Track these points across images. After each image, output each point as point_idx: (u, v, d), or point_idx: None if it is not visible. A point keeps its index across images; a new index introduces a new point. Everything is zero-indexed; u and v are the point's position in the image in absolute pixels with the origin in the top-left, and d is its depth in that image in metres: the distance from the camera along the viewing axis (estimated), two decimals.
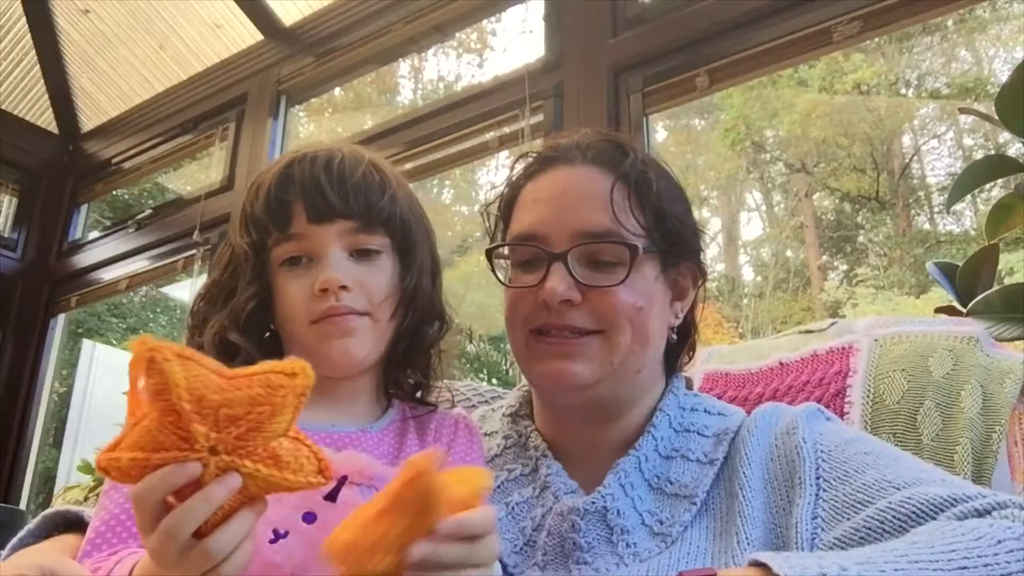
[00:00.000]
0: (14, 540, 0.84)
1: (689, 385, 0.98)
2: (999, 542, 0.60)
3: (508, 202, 0.96)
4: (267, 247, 0.85)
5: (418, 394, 0.92)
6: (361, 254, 0.85)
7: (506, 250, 0.93)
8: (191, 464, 0.52)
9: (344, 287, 0.82)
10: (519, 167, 0.96)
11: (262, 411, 0.53)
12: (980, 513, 0.65)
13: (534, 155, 0.96)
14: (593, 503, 0.82)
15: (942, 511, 0.66)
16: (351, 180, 0.84)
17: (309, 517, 0.71)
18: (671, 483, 0.84)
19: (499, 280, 0.93)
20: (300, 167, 0.85)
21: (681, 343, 0.95)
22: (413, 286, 0.88)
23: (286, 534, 0.69)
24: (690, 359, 0.98)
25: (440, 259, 0.97)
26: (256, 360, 0.82)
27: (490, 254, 0.93)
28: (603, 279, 0.84)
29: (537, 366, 0.87)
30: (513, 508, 0.88)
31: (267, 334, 0.87)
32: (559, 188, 0.89)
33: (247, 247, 0.86)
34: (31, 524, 0.86)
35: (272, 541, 0.69)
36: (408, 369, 0.92)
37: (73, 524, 0.86)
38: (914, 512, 0.66)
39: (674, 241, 0.89)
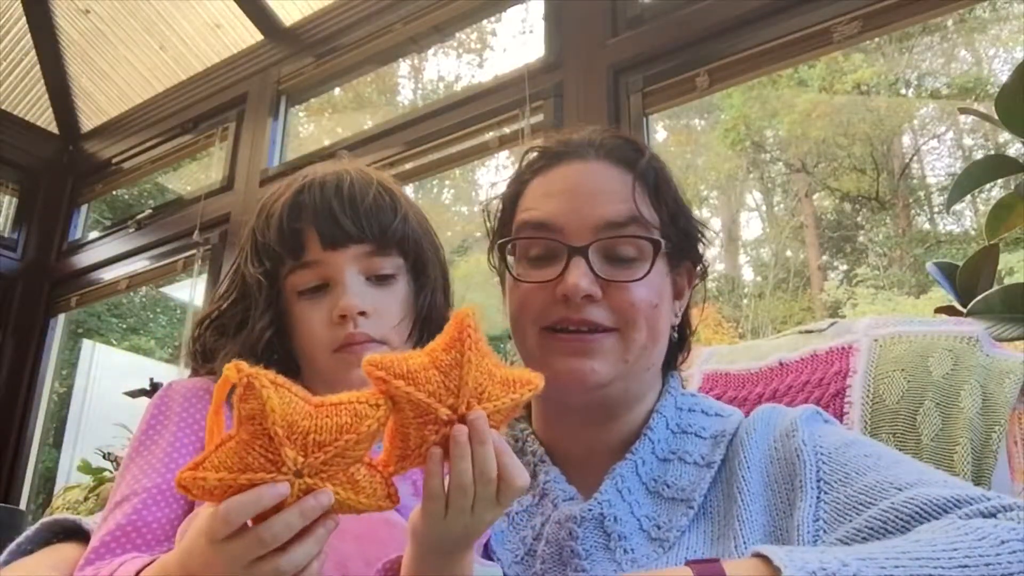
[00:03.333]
0: (12, 546, 0.84)
1: (682, 383, 0.97)
2: (1002, 543, 0.59)
3: (513, 197, 0.93)
4: (280, 275, 0.85)
5: None
6: (378, 279, 0.85)
7: (510, 244, 0.91)
8: (281, 484, 0.56)
9: (363, 313, 0.82)
10: (525, 161, 0.95)
11: (348, 439, 0.57)
12: (986, 516, 0.64)
13: (540, 150, 0.94)
14: (590, 510, 0.81)
15: (947, 512, 0.65)
16: (363, 204, 0.84)
17: None
18: (668, 487, 0.83)
19: (510, 274, 0.90)
20: (311, 194, 0.85)
21: (680, 343, 0.95)
22: (427, 304, 0.88)
23: None
24: (684, 359, 0.98)
25: (450, 275, 0.97)
26: None
27: (503, 247, 0.91)
28: (623, 274, 0.83)
29: (554, 364, 0.83)
30: (513, 517, 0.87)
31: (283, 359, 0.87)
32: (575, 181, 0.87)
33: (260, 276, 0.85)
34: (29, 531, 0.86)
35: None
36: None
37: (71, 532, 0.86)
38: (918, 512, 0.66)
39: (684, 240, 0.90)
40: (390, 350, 0.84)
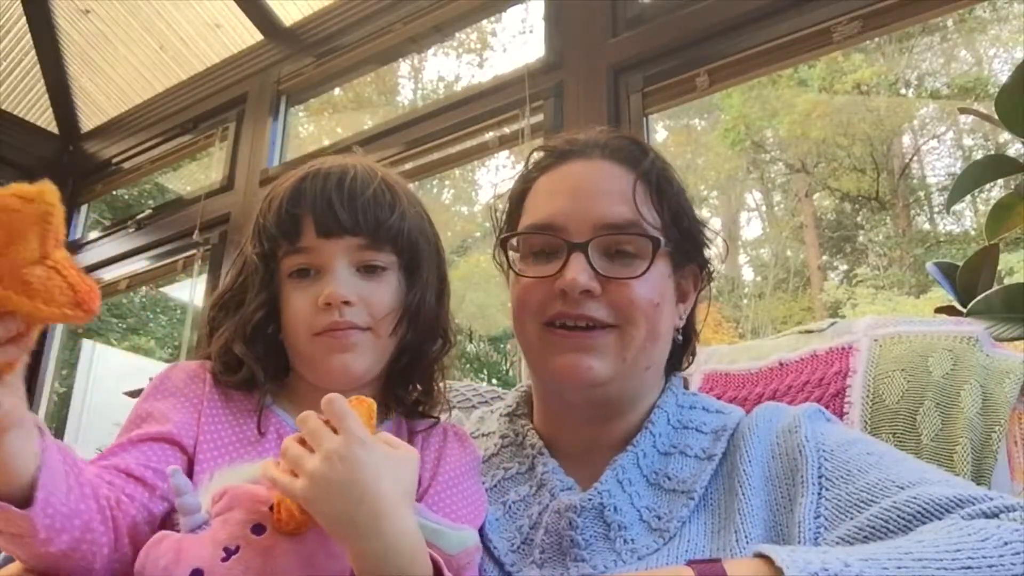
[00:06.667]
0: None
1: (686, 385, 0.98)
2: (1005, 544, 0.59)
3: (519, 195, 0.95)
4: (277, 258, 0.87)
5: (420, 409, 0.93)
6: (367, 270, 0.86)
7: (515, 241, 0.93)
8: None
9: (347, 302, 0.83)
10: (532, 160, 0.96)
11: None
12: (988, 515, 0.64)
13: (547, 149, 0.95)
14: (590, 500, 0.82)
15: (949, 512, 0.65)
16: (362, 197, 0.86)
17: (258, 529, 0.71)
18: (669, 479, 0.84)
19: (512, 270, 0.91)
20: (313, 182, 0.87)
21: (684, 345, 0.95)
22: (416, 303, 0.89)
23: (237, 549, 0.69)
24: (690, 363, 0.98)
25: (448, 279, 0.97)
26: (257, 374, 0.84)
27: (505, 243, 0.93)
28: (622, 271, 0.84)
29: (553, 360, 0.85)
30: (510, 507, 0.88)
31: (274, 345, 0.88)
32: (579, 180, 0.89)
33: (257, 257, 0.88)
34: None
35: (224, 559, 0.69)
36: (409, 384, 0.93)
37: None
38: (920, 511, 0.66)
39: (688, 241, 0.90)
40: (374, 339, 0.85)
